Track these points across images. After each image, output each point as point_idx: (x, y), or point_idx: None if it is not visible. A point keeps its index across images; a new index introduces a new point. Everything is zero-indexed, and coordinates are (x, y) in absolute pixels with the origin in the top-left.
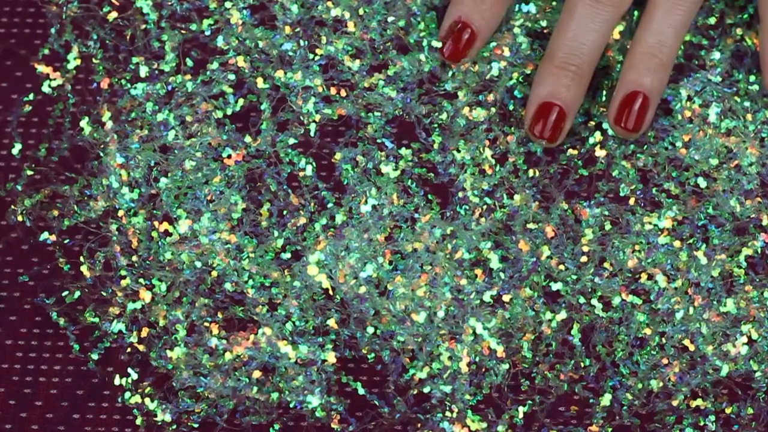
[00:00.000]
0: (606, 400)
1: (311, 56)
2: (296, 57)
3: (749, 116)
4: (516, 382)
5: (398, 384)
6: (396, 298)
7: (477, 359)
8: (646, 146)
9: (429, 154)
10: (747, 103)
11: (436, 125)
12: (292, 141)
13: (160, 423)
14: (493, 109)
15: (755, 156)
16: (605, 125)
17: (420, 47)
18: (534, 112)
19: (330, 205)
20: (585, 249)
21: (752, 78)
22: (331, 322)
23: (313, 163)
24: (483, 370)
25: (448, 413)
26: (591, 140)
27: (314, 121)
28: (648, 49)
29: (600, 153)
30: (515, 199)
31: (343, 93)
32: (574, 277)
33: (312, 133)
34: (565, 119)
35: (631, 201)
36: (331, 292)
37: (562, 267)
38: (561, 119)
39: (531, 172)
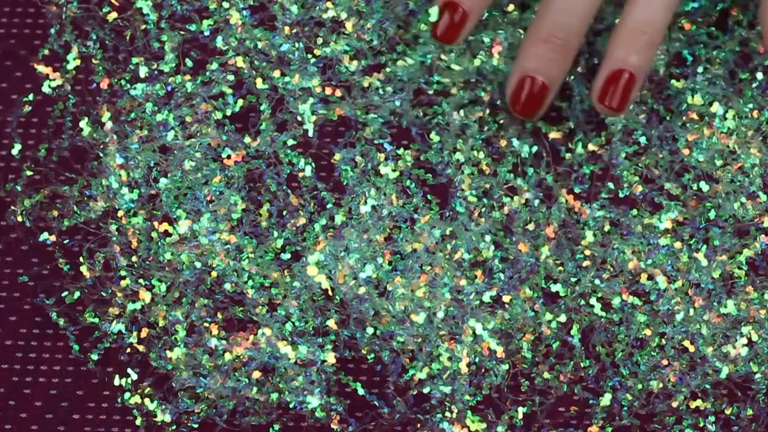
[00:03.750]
0: (606, 400)
1: (310, 57)
2: (295, 58)
3: (755, 113)
4: (516, 382)
5: (398, 384)
6: (395, 299)
7: (477, 360)
8: (649, 148)
9: (427, 154)
10: (750, 104)
11: (433, 124)
12: (291, 141)
13: (159, 423)
14: (488, 110)
15: (758, 158)
16: (609, 126)
17: (418, 47)
18: (515, 85)
19: (329, 205)
20: (586, 252)
21: (759, 75)
22: (331, 323)
23: (312, 164)
24: (483, 370)
25: (447, 413)
26: (594, 140)
27: (313, 122)
28: (636, 26)
29: (602, 152)
30: (515, 200)
31: (341, 94)
32: (575, 279)
33: (311, 134)
34: (547, 92)
35: (633, 202)
36: (330, 293)
37: (561, 268)
38: (543, 92)
39: (531, 172)
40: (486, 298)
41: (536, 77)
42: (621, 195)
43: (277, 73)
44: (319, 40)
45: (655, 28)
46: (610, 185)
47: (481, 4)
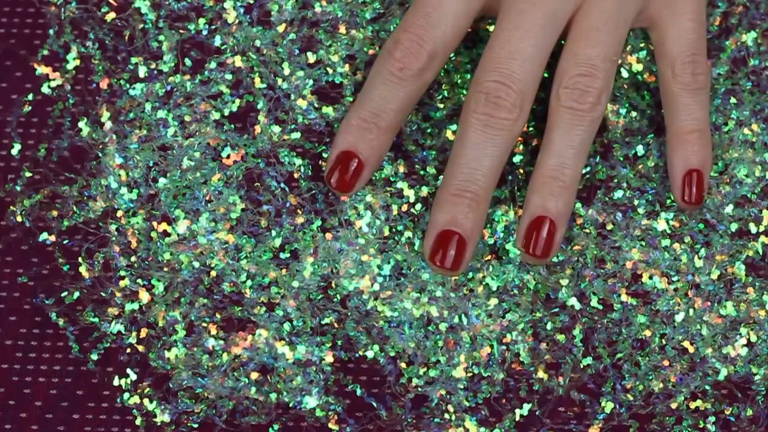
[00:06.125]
0: (606, 401)
1: (307, 56)
2: (292, 57)
3: (756, 126)
4: (515, 386)
5: (396, 387)
6: (394, 305)
7: (475, 370)
8: (648, 150)
9: (423, 169)
10: (747, 112)
11: (428, 140)
12: (289, 141)
13: (159, 423)
14: None
15: (749, 168)
16: (608, 131)
17: None
18: (434, 241)
19: (324, 207)
20: (585, 252)
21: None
22: (329, 322)
23: (310, 165)
24: (481, 375)
25: (446, 415)
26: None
27: (310, 122)
28: (549, 173)
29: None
30: (509, 213)
31: (338, 94)
32: (574, 281)
33: (309, 134)
34: (465, 246)
35: (632, 204)
36: (333, 286)
37: (559, 270)
38: (462, 247)
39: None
40: (486, 306)
41: (453, 232)
42: (619, 197)
43: (273, 73)
44: (319, 41)
45: (567, 172)
46: (609, 186)
47: (378, 154)
